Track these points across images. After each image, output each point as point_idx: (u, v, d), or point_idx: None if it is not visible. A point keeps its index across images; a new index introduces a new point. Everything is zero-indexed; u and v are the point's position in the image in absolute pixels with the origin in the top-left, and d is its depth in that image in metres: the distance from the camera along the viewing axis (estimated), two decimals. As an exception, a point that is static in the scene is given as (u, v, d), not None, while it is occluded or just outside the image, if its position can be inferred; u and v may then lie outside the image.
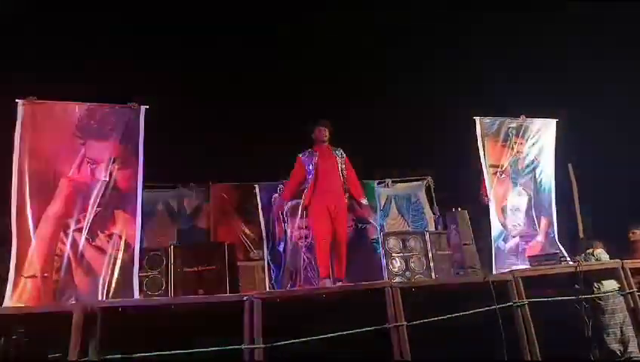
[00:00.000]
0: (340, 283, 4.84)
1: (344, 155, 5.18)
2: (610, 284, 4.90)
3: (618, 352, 4.94)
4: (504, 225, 6.01)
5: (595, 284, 5.00)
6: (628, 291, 4.44)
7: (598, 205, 7.51)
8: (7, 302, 4.12)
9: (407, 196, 8.92)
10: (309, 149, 5.22)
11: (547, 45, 8.59)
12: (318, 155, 5.06)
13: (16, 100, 4.63)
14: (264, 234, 7.67)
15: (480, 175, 6.08)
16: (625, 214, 6.74)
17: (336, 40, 9.04)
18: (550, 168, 6.38)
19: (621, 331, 4.98)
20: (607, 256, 5.37)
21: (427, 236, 7.18)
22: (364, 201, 5.13)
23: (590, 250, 5.62)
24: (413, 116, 8.92)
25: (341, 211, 4.90)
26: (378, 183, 8.56)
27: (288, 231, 7.74)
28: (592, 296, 4.72)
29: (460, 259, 5.50)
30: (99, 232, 4.64)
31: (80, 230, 4.58)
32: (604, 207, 7.37)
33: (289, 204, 7.89)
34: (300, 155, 5.21)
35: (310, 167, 4.99)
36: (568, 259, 5.22)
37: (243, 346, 3.35)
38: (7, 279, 4.22)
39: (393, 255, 6.91)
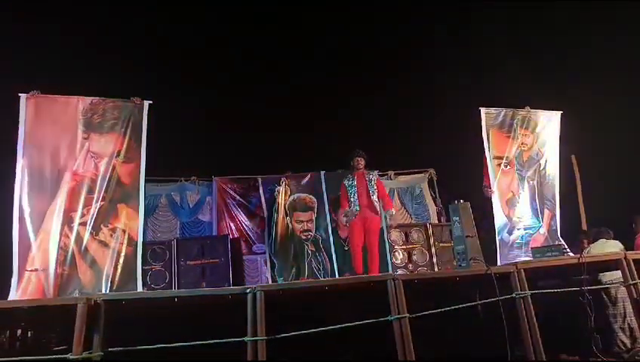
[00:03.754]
0: None
1: (375, 178, 6.21)
2: (617, 274, 4.89)
3: (625, 344, 4.94)
4: (508, 217, 6.00)
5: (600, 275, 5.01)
6: (631, 282, 4.42)
7: (600, 196, 7.48)
8: (12, 296, 4.15)
9: (410, 188, 8.90)
10: (350, 175, 6.24)
11: (550, 37, 8.54)
12: (355, 180, 6.10)
13: (19, 94, 4.63)
14: (266, 226, 7.69)
15: (483, 167, 6.06)
16: (627, 205, 6.71)
17: (337, 34, 9.01)
18: (554, 160, 6.35)
19: (629, 323, 4.96)
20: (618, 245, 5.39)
21: (430, 228, 7.19)
22: (389, 212, 6.12)
23: (603, 239, 5.62)
24: (415, 108, 8.90)
25: (372, 224, 5.91)
26: (381, 175, 8.53)
27: (291, 224, 7.76)
28: (596, 287, 4.71)
29: (463, 251, 5.48)
30: (102, 226, 4.67)
31: (84, 224, 4.61)
32: (606, 198, 7.34)
33: (295, 196, 7.92)
34: (344, 182, 6.22)
35: (351, 190, 6.06)
36: (569, 251, 5.21)
37: (246, 338, 3.36)
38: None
39: (396, 247, 6.92)
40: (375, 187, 6.10)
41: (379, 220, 5.97)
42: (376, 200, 6.01)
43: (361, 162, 6.23)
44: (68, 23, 7.37)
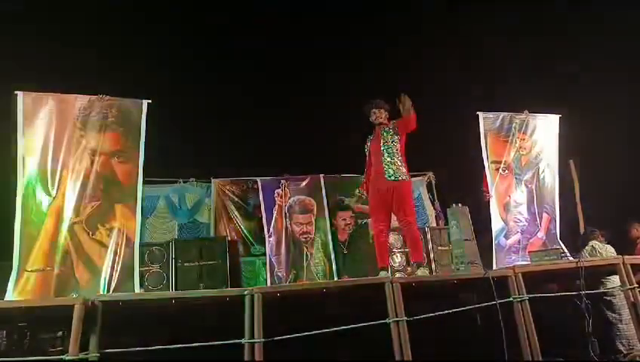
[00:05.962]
0: (421, 268, 4.62)
1: (393, 125, 4.78)
2: (615, 279, 4.89)
3: (621, 350, 4.94)
4: (506, 221, 6.00)
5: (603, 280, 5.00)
6: (629, 287, 4.42)
7: (599, 201, 7.49)
8: (9, 296, 4.13)
9: (409, 191, 8.89)
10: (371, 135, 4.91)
11: (549, 41, 8.55)
12: (371, 139, 4.84)
13: (16, 92, 4.61)
14: (265, 229, 7.68)
15: (482, 171, 6.07)
16: (625, 210, 6.72)
17: (336, 35, 9.02)
18: (553, 164, 6.35)
19: (625, 330, 4.96)
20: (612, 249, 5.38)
21: (428, 232, 7.18)
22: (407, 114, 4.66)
23: (595, 242, 5.62)
24: (414, 111, 8.88)
25: (396, 191, 4.54)
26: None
27: (290, 226, 7.75)
28: (594, 291, 4.71)
29: (461, 255, 5.48)
30: (99, 226, 4.64)
31: (80, 223, 4.58)
32: (605, 203, 7.35)
33: (294, 198, 7.91)
34: (367, 142, 4.93)
35: (367, 152, 4.84)
36: (568, 255, 5.20)
37: (243, 340, 3.35)
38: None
39: (394, 250, 6.91)
40: (397, 145, 4.63)
41: (408, 183, 4.64)
42: (399, 161, 4.59)
43: (380, 114, 4.80)
44: (68, 21, 7.36)
